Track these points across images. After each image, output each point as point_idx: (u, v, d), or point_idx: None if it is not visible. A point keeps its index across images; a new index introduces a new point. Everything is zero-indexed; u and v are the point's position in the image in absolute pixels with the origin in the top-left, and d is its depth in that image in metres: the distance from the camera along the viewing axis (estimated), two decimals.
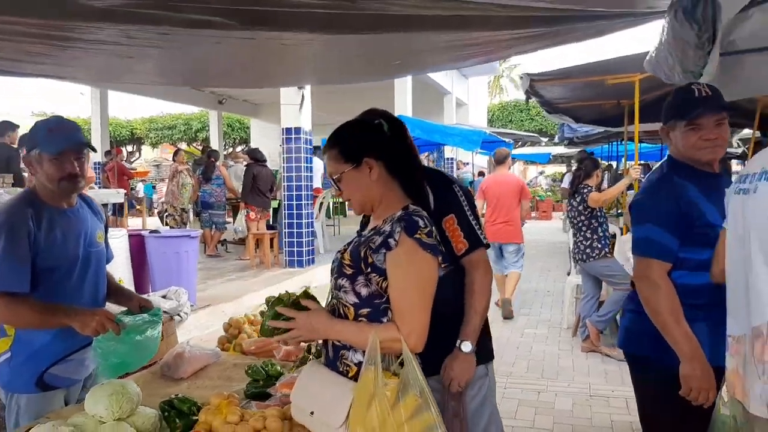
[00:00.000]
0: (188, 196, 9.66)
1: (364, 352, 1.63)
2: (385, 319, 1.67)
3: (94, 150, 2.35)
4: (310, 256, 8.20)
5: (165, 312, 3.60)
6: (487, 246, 2.09)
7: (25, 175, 7.85)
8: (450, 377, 1.98)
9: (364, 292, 1.69)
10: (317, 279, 7.36)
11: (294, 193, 8.01)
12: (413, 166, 1.89)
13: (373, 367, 1.56)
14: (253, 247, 8.25)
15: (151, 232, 6.27)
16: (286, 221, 8.03)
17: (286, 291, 1.91)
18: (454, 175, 16.47)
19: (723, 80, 2.99)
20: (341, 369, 1.72)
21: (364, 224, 2.05)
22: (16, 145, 6.68)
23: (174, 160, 10.25)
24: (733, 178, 1.96)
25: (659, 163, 2.82)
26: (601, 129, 9.91)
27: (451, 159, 16.50)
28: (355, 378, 1.65)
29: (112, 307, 2.38)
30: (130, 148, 25.28)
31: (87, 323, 2.05)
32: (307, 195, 8.13)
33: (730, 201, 1.76)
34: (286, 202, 8.08)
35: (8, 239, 2.03)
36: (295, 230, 8.01)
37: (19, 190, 6.35)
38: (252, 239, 8.27)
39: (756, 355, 1.57)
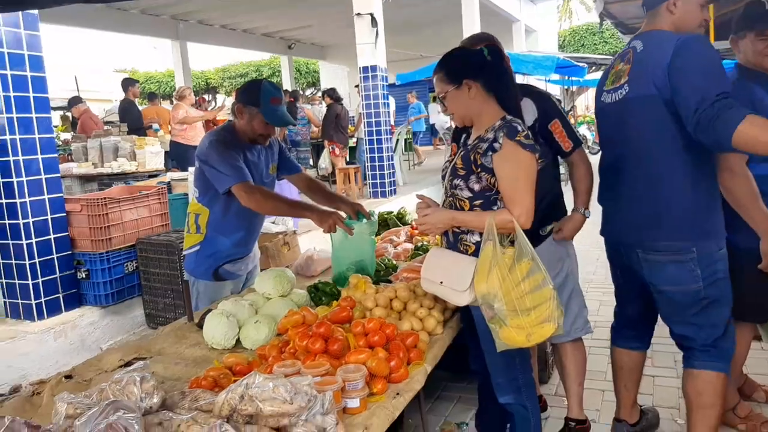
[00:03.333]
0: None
1: (480, 233, 2.03)
2: (495, 208, 2.05)
3: (295, 126, 2.82)
4: (392, 187, 8.62)
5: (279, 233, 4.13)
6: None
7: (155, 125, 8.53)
8: (561, 234, 2.49)
9: (476, 187, 2.07)
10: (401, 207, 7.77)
11: (374, 128, 8.37)
12: (508, 85, 2.20)
13: (491, 242, 1.96)
14: (342, 180, 8.73)
15: None
16: (369, 155, 8.44)
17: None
18: None
19: None
20: (461, 249, 2.12)
21: (456, 137, 2.38)
22: (138, 99, 7.35)
23: None
24: None
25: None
26: None
27: None
28: (474, 255, 2.06)
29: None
30: (207, 97, 26.34)
31: (324, 220, 2.55)
32: (387, 130, 8.45)
33: None
34: (366, 138, 8.46)
35: (223, 149, 2.55)
36: (377, 164, 8.41)
37: (134, 137, 7.09)
38: (340, 173, 8.74)
39: None
